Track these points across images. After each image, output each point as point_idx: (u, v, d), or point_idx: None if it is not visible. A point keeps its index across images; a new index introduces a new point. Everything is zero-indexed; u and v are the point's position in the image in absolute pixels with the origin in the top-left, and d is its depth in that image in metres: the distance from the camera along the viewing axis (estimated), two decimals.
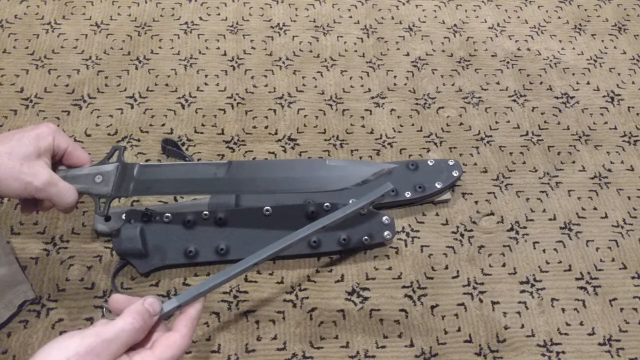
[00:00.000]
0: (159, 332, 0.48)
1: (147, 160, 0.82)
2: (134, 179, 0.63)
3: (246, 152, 0.84)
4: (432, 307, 0.73)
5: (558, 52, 0.99)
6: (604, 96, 0.94)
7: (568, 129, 0.90)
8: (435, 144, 0.87)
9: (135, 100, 0.88)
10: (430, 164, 0.81)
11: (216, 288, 0.52)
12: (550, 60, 0.98)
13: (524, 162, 0.86)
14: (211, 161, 0.74)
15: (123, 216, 0.72)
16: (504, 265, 0.77)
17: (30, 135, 0.56)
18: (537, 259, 0.77)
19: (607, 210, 0.82)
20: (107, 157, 0.64)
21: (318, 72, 0.93)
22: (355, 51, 0.96)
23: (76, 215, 0.76)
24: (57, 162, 0.61)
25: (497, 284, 0.75)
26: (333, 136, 0.86)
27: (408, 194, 0.78)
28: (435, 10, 1.03)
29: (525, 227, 0.80)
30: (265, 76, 0.92)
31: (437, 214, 0.80)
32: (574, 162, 0.87)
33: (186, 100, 0.88)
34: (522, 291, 0.75)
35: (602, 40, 1.02)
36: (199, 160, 0.82)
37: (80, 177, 0.61)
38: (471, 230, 0.79)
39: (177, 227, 0.72)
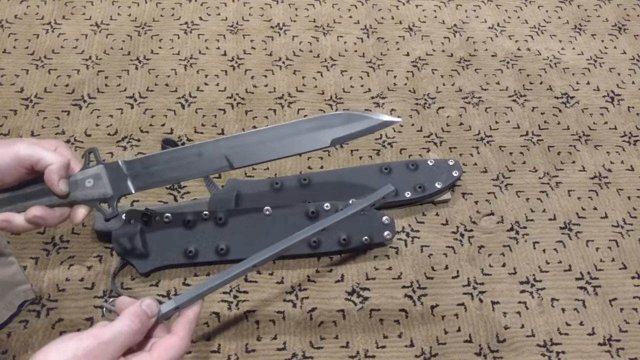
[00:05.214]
0: (158, 335, 0.48)
1: None
2: (127, 175, 0.61)
3: None
4: (432, 307, 0.73)
5: (558, 52, 0.99)
6: (604, 96, 0.94)
7: (568, 129, 0.90)
8: (435, 144, 0.87)
9: (135, 100, 0.88)
10: (430, 164, 0.81)
11: (215, 290, 0.52)
12: (550, 60, 0.98)
13: (524, 162, 0.86)
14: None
15: (123, 216, 0.72)
16: (504, 265, 0.77)
17: (29, 140, 0.56)
18: (537, 259, 0.77)
19: (607, 210, 0.82)
20: (86, 162, 0.60)
21: (318, 72, 0.93)
22: (355, 51, 0.96)
23: None
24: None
25: (497, 284, 0.75)
26: None
27: (408, 194, 0.78)
28: (435, 10, 1.03)
29: (525, 227, 0.80)
30: (265, 76, 0.92)
31: (437, 214, 0.80)
32: (574, 162, 0.87)
33: (186, 100, 0.88)
34: (522, 291, 0.75)
35: (602, 40, 1.02)
36: None
37: (71, 185, 0.57)
38: (471, 230, 0.79)
39: (177, 227, 0.72)
